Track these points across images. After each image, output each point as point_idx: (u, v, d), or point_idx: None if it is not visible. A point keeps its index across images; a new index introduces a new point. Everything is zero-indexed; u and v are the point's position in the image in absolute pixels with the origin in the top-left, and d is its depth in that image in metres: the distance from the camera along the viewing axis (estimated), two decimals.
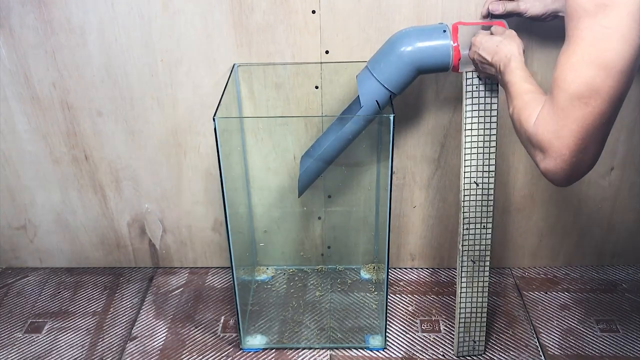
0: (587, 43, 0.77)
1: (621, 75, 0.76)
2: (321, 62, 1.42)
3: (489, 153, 1.24)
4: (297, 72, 1.43)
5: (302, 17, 1.36)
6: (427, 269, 1.74)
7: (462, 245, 1.31)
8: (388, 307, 1.57)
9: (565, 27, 0.82)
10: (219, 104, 1.24)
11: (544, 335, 1.49)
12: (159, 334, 1.53)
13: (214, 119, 1.18)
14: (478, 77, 1.19)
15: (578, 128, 0.80)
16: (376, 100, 1.25)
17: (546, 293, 1.63)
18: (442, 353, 1.45)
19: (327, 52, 1.40)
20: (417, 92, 1.45)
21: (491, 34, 1.15)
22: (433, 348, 1.47)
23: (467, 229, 1.30)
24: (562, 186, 0.88)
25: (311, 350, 1.47)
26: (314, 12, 1.36)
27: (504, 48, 1.06)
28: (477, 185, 1.26)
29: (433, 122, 1.50)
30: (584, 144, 0.80)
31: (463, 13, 1.34)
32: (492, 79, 1.17)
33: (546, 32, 1.35)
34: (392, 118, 1.18)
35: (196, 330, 1.54)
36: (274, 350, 1.47)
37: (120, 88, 1.46)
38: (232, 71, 1.41)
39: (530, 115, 0.87)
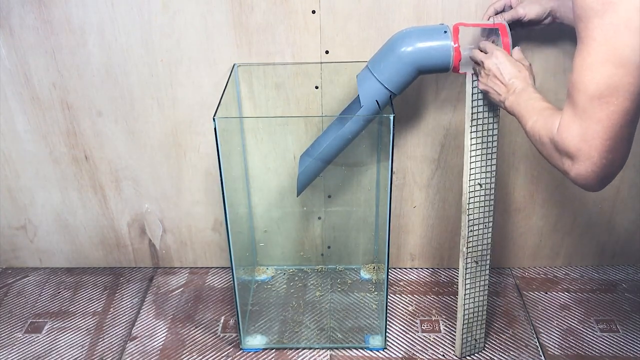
0: (600, 42, 0.76)
1: (639, 70, 0.75)
2: (321, 62, 1.42)
3: (491, 154, 1.24)
4: (297, 72, 1.43)
5: (302, 17, 1.36)
6: (427, 269, 1.74)
7: (467, 248, 1.30)
8: (388, 307, 1.57)
9: (575, 29, 0.81)
10: (219, 104, 1.24)
11: (544, 335, 1.49)
12: (159, 334, 1.53)
13: (214, 119, 1.18)
14: None
15: (603, 129, 0.79)
16: (376, 100, 1.24)
17: (546, 293, 1.63)
18: (442, 353, 1.45)
19: (327, 52, 1.40)
20: (417, 92, 1.45)
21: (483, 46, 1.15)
22: (433, 348, 1.47)
23: (471, 231, 1.29)
24: (595, 191, 0.86)
25: (311, 350, 1.47)
26: (314, 12, 1.35)
27: (525, 75, 1.07)
28: (481, 186, 1.26)
29: (433, 122, 1.49)
30: (612, 144, 0.79)
31: (463, 13, 1.34)
32: (489, 96, 1.14)
33: (544, 39, 1.35)
34: (392, 118, 1.18)
35: (196, 330, 1.54)
36: (274, 350, 1.47)
37: (120, 88, 1.46)
38: (232, 71, 1.41)
39: (553, 124, 0.87)
